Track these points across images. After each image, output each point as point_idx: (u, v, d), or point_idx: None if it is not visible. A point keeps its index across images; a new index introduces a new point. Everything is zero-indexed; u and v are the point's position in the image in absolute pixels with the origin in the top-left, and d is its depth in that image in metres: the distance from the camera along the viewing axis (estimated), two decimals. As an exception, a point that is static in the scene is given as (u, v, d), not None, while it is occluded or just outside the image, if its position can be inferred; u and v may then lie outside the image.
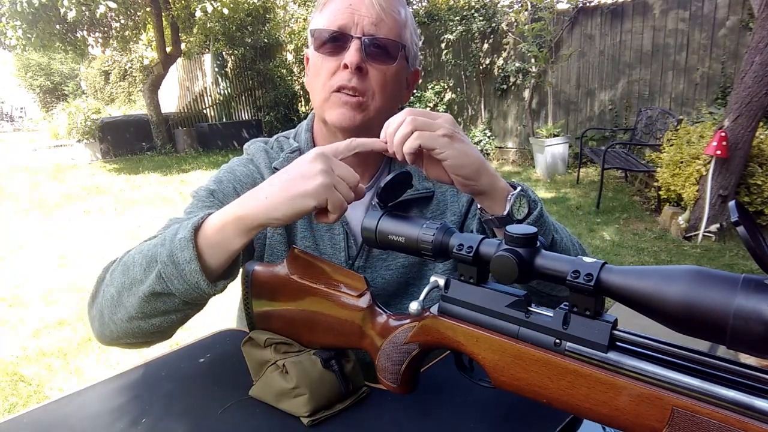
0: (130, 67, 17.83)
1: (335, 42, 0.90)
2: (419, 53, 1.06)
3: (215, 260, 0.72)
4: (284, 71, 11.80)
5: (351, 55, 0.87)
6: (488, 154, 8.72)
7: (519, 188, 0.77)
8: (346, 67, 0.88)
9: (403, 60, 0.95)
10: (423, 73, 9.19)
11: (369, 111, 0.92)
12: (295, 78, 11.77)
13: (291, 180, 0.68)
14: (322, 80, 0.91)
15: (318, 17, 0.94)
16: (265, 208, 0.69)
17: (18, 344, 3.05)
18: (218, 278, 0.74)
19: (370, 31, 0.89)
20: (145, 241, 0.81)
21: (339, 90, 0.90)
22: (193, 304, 0.75)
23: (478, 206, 0.79)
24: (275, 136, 1.07)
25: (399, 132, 0.70)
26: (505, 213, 0.75)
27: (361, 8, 0.89)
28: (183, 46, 11.28)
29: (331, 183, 0.68)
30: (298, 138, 1.04)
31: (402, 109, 0.74)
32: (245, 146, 1.06)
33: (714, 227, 4.30)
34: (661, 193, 4.89)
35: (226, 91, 12.04)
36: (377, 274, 0.98)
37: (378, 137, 0.73)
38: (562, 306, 0.53)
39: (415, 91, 8.97)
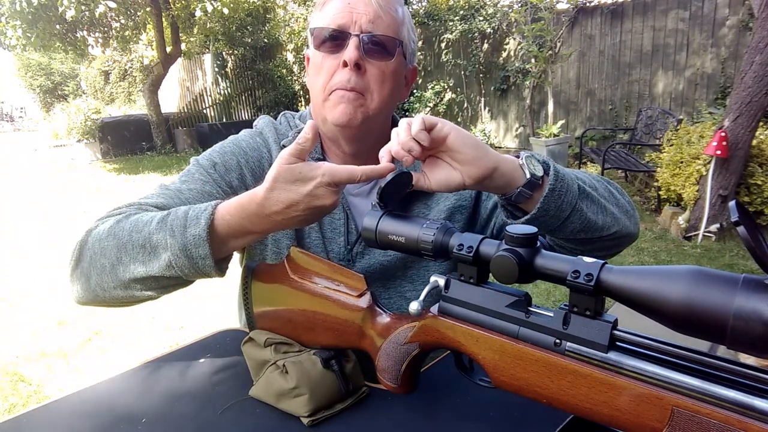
0: (130, 67, 17.79)
1: (334, 40, 0.91)
2: (417, 52, 1.06)
3: (224, 253, 0.78)
4: (284, 71, 11.80)
5: (349, 51, 0.88)
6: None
7: (523, 153, 0.76)
8: (345, 64, 0.89)
9: (401, 57, 0.95)
10: (423, 73, 9.19)
11: (368, 109, 0.92)
12: (295, 78, 11.77)
13: (311, 214, 0.72)
14: (322, 81, 0.92)
15: (318, 16, 0.94)
16: (278, 227, 0.74)
17: (18, 344, 3.05)
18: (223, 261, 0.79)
19: (367, 29, 0.89)
20: (128, 210, 0.84)
21: (338, 89, 0.90)
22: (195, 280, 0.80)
23: (500, 204, 0.79)
24: (281, 113, 1.08)
25: (414, 126, 0.69)
26: (528, 175, 0.73)
27: (359, 6, 0.90)
28: (183, 46, 11.28)
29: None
30: (303, 120, 1.05)
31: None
32: (255, 122, 1.07)
33: (714, 227, 4.30)
34: (661, 193, 4.89)
35: (226, 91, 12.03)
36: (375, 260, 0.98)
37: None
38: (562, 306, 0.54)
39: (414, 91, 9.04)
